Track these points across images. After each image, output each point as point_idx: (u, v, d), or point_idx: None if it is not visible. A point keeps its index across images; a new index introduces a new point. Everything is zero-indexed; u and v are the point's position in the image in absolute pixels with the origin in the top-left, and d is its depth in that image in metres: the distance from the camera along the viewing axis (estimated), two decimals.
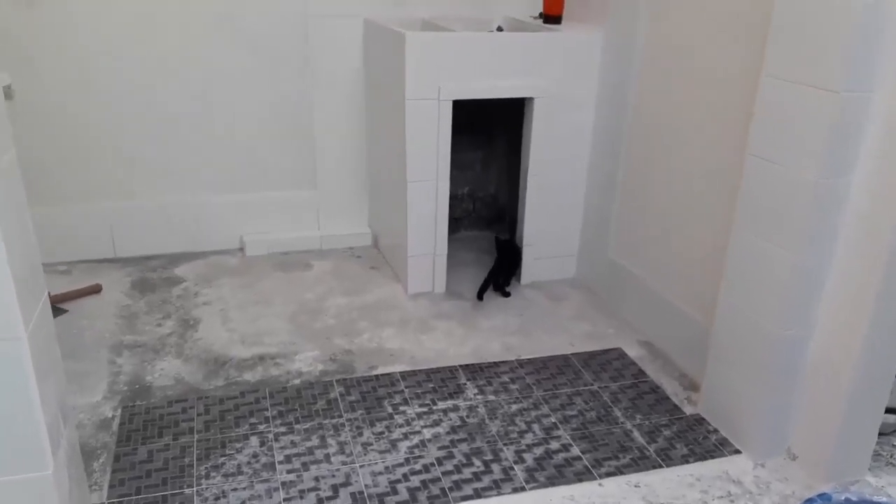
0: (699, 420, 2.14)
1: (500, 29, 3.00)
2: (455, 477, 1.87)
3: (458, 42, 2.57)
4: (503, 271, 2.86)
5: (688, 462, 1.97)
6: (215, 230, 3.09)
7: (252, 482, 1.82)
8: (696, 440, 2.05)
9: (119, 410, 2.07)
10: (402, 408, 2.13)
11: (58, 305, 2.59)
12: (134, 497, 1.75)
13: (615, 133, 2.67)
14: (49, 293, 2.58)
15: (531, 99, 2.70)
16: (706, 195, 2.24)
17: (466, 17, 3.02)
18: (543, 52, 2.65)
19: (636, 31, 2.49)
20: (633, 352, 2.49)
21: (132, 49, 2.77)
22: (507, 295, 2.80)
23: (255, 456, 1.91)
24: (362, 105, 3.06)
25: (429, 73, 2.53)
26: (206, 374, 2.26)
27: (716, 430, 2.09)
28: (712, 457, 1.99)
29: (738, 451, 2.01)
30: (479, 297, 2.75)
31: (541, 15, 2.91)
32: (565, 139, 2.79)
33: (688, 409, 2.19)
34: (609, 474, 1.91)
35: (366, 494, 1.80)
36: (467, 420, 2.09)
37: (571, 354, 2.45)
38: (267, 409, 2.09)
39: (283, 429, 2.02)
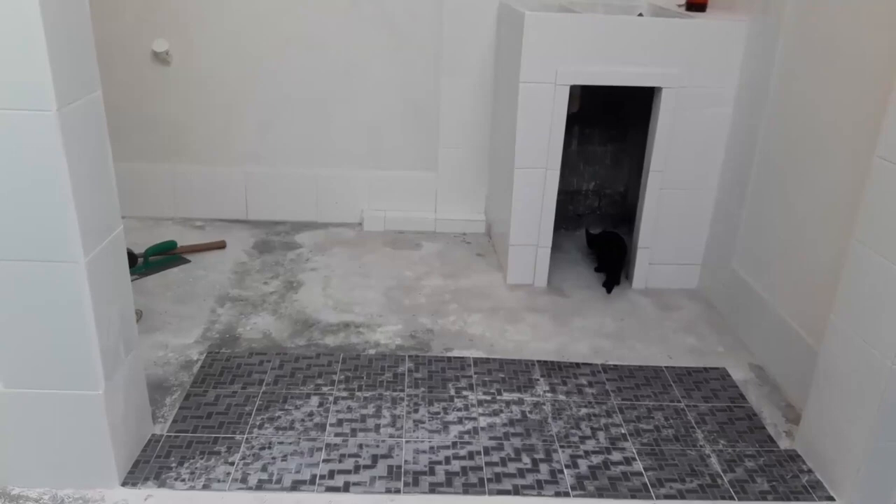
0: (793, 456, 1.88)
1: (640, 15, 2.83)
2: (497, 469, 1.79)
3: (580, 23, 2.44)
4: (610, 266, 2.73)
5: (765, 499, 1.73)
6: (339, 203, 3.20)
7: (299, 438, 1.85)
8: (782, 477, 1.80)
9: (204, 355, 2.20)
10: (464, 392, 2.07)
11: (183, 255, 2.81)
12: (190, 434, 1.85)
13: (751, 133, 2.41)
14: (177, 244, 2.83)
15: (660, 89, 2.51)
16: (839, 206, 1.95)
17: (609, 4, 2.88)
18: (676, 39, 2.45)
19: (783, 21, 2.22)
20: (738, 374, 2.24)
21: (277, 22, 2.93)
22: (609, 290, 2.66)
23: (310, 414, 1.95)
24: (490, 91, 3.02)
25: (546, 55, 2.43)
26: (292, 333, 2.34)
27: (810, 471, 1.82)
28: (797, 499, 1.74)
29: (831, 499, 1.74)
30: (609, 289, 2.68)
31: (687, 3, 2.71)
32: (697, 135, 2.57)
33: (784, 443, 1.93)
34: (668, 496, 1.73)
35: (402, 469, 1.77)
36: (529, 415, 1.99)
37: (665, 367, 2.25)
38: (336, 373, 2.13)
39: (344, 393, 2.04)
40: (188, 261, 2.79)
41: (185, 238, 2.94)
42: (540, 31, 2.41)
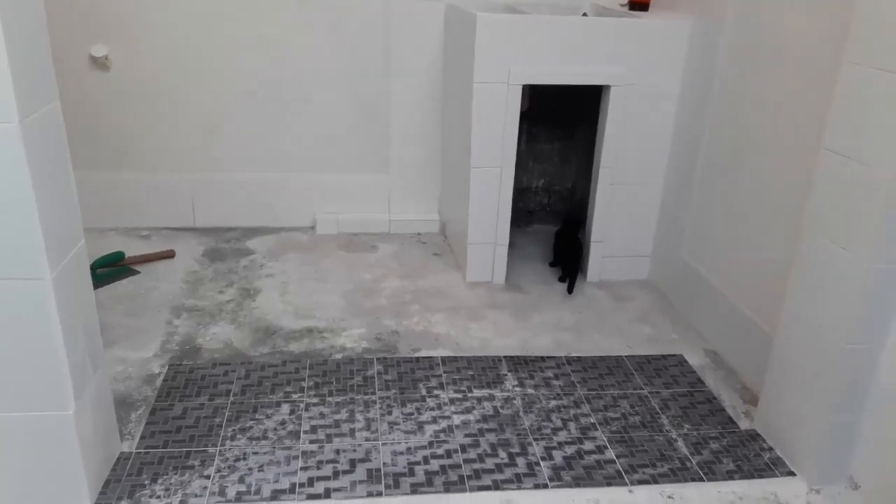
0: (754, 436, 1.97)
1: (584, 15, 2.90)
2: (476, 465, 1.81)
3: (531, 25, 2.49)
4: (567, 264, 2.77)
5: (732, 478, 1.81)
6: (290, 207, 3.16)
7: (274, 448, 1.83)
8: (746, 457, 1.89)
9: (165, 368, 2.14)
10: (436, 391, 2.08)
11: (131, 266, 2.73)
12: (160, 449, 1.80)
13: (696, 128, 2.51)
14: (125, 255, 2.74)
15: (608, 87, 2.58)
16: (783, 195, 2.06)
17: (553, 4, 2.94)
18: (622, 39, 2.53)
19: (725, 20, 2.32)
20: (695, 360, 2.33)
21: (221, 26, 2.87)
22: (570, 291, 2.71)
23: (282, 423, 1.92)
24: (440, 91, 3.03)
25: (499, 55, 2.46)
26: (254, 341, 2.31)
27: (770, 449, 1.91)
28: (761, 476, 1.82)
29: (791, 474, 1.83)
30: (571, 290, 2.70)
31: (630, 3, 2.79)
32: (644, 132, 2.65)
33: (743, 424, 2.02)
34: (642, 482, 1.79)
35: (382, 472, 1.77)
36: (501, 411, 2.02)
37: (626, 357, 2.32)
38: (304, 380, 2.11)
39: (315, 400, 2.02)
40: (137, 272, 2.71)
41: (130, 248, 2.85)
42: (492, 32, 2.44)
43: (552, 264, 2.89)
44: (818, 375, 1.75)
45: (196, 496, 1.67)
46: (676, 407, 2.08)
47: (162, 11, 2.82)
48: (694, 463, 1.86)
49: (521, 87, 2.51)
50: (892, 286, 1.61)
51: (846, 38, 1.62)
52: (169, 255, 2.85)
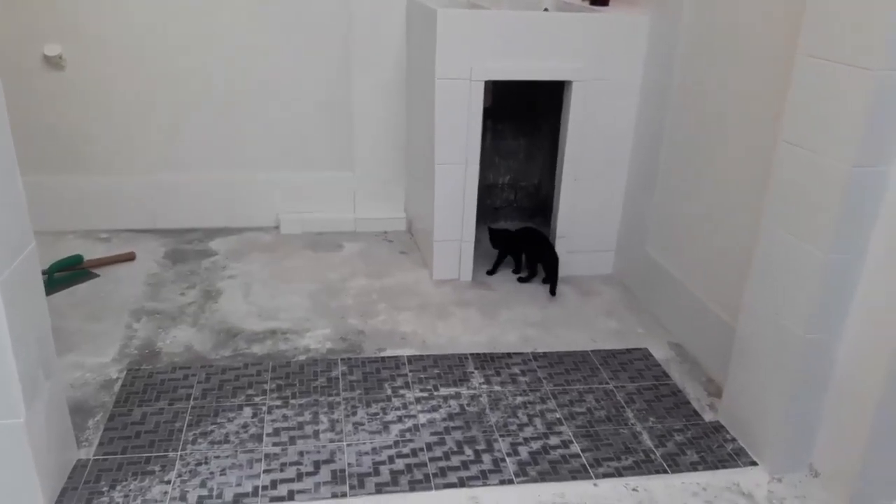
0: (717, 427, 1.98)
1: (546, 10, 2.90)
2: (442, 464, 1.80)
3: (492, 20, 2.48)
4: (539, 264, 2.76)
5: (696, 470, 1.83)
6: (253, 207, 3.12)
7: (236, 451, 1.80)
8: (709, 448, 1.90)
9: (124, 373, 2.09)
10: (401, 391, 2.07)
11: (90, 270, 2.67)
12: (119, 456, 1.76)
13: (657, 122, 2.52)
14: (83, 258, 2.68)
15: (570, 83, 2.58)
16: (744, 188, 2.08)
17: (515, 0, 2.93)
18: (583, 34, 2.53)
19: (683, 15, 2.33)
20: (659, 353, 2.34)
21: (179, 25, 2.82)
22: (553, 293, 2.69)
23: (244, 426, 1.89)
24: (402, 89, 3.02)
25: (460, 51, 2.45)
26: (216, 344, 2.27)
27: (733, 440, 1.93)
28: (724, 466, 1.84)
29: (754, 463, 1.85)
30: (554, 292, 2.68)
31: None
32: (606, 127, 2.66)
33: (707, 416, 2.03)
34: (606, 475, 1.79)
35: (346, 473, 1.75)
36: (467, 408, 2.01)
37: (591, 351, 2.33)
38: (266, 383, 2.08)
39: (278, 402, 2.00)
40: (97, 275, 2.65)
41: (90, 251, 2.79)
42: (453, 28, 2.43)
43: (522, 279, 2.78)
44: (778, 366, 1.77)
45: (156, 502, 1.63)
46: (641, 400, 2.09)
47: (118, 9, 2.76)
48: (658, 455, 1.87)
49: (483, 83, 2.51)
50: (848, 277, 1.63)
51: (800, 30, 1.63)
52: (129, 257, 2.79)
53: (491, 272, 2.79)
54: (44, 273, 2.52)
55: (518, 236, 2.78)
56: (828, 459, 1.77)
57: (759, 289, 1.82)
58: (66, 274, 2.60)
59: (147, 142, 2.97)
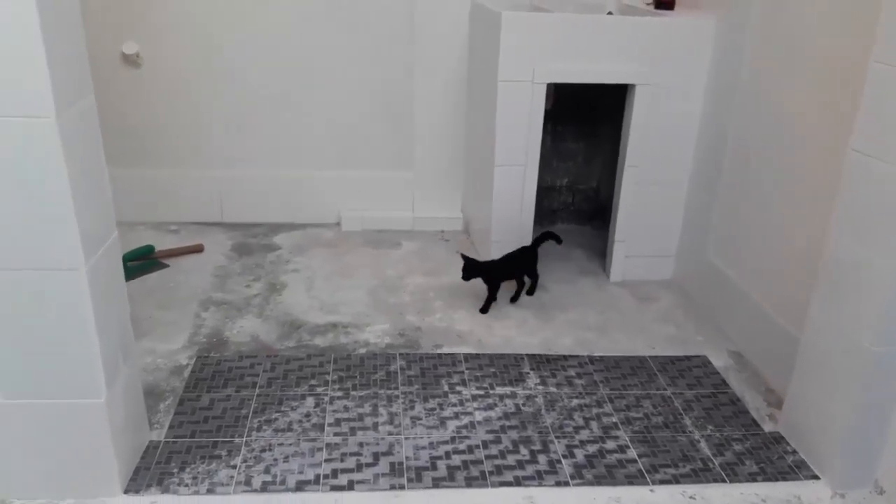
0: (777, 438, 1.95)
1: (609, 14, 2.89)
2: (497, 462, 1.82)
3: (556, 23, 2.49)
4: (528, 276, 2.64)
5: (755, 481, 1.81)
6: (316, 204, 3.19)
7: (299, 439, 1.86)
8: (769, 459, 1.88)
9: (193, 360, 2.18)
10: (458, 388, 2.10)
11: (161, 260, 2.78)
12: (188, 439, 1.84)
13: (721, 127, 2.49)
14: (154, 249, 2.79)
15: (633, 86, 2.57)
16: (810, 196, 2.04)
17: (578, 2, 2.93)
18: (647, 38, 2.52)
19: (750, 18, 2.30)
20: (719, 361, 2.32)
21: (251, 25, 2.91)
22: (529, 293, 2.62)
23: (307, 415, 1.95)
24: (464, 89, 3.05)
25: (523, 54, 2.47)
26: (280, 335, 2.34)
27: (794, 451, 1.90)
28: (785, 479, 1.81)
29: (816, 477, 1.82)
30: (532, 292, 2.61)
31: (655, 2, 2.78)
32: (669, 131, 2.65)
33: (767, 426, 2.01)
34: (663, 482, 1.79)
35: (405, 466, 1.79)
36: (522, 408, 2.03)
37: (649, 357, 2.32)
38: (328, 374, 2.13)
39: (339, 393, 2.05)
40: (167, 265, 2.76)
41: (160, 243, 2.90)
42: (516, 30, 2.45)
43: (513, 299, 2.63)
44: (844, 378, 1.74)
45: (223, 485, 1.70)
46: (700, 408, 2.08)
47: (192, 10, 2.87)
48: (716, 464, 1.85)
49: (545, 86, 2.52)
50: None
51: (873, 37, 1.60)
52: (198, 249, 2.89)
53: (484, 310, 2.53)
54: None
55: (500, 264, 2.58)
56: (895, 477, 1.73)
57: (826, 299, 1.79)
58: (138, 263, 2.72)
59: (215, 138, 3.07)
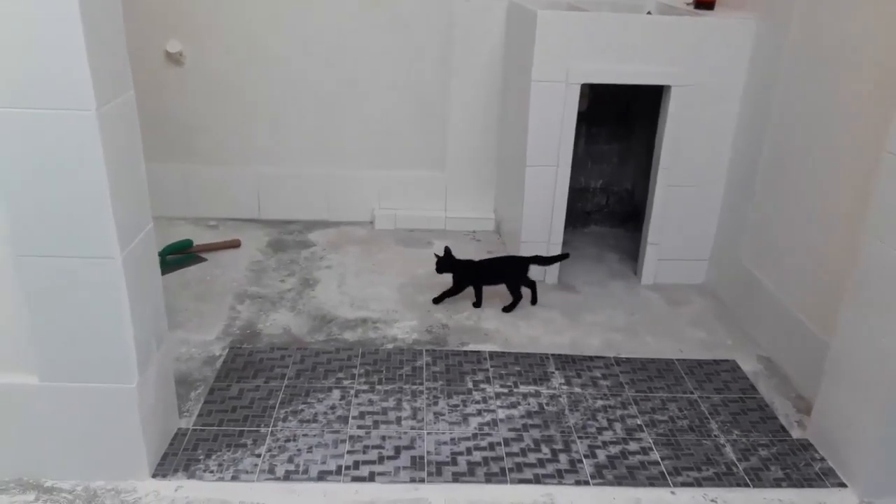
0: (805, 445, 1.92)
1: (649, 14, 2.87)
2: (518, 459, 1.83)
3: (591, 22, 2.48)
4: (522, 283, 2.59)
5: (780, 486, 1.78)
6: (350, 202, 3.24)
7: (323, 431, 1.89)
8: (795, 465, 1.85)
9: (226, 350, 2.23)
10: (482, 385, 2.11)
11: (199, 254, 2.85)
12: (215, 427, 1.89)
13: (758, 130, 2.46)
14: (193, 243, 2.86)
15: (668, 87, 2.55)
16: (846, 201, 2.00)
17: (615, 2, 2.92)
18: (685, 38, 2.50)
19: (791, 19, 2.27)
20: (748, 366, 2.29)
21: (289, 24, 2.97)
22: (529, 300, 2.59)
23: (332, 408, 1.99)
24: (499, 90, 3.06)
25: (558, 53, 2.47)
26: (311, 328, 2.39)
27: (822, 459, 1.87)
28: (811, 486, 1.78)
29: (843, 485, 1.78)
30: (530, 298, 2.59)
31: (695, 2, 2.75)
32: (704, 133, 2.62)
33: (795, 433, 1.97)
34: (686, 484, 1.78)
35: (426, 460, 1.81)
36: (546, 407, 2.03)
37: (677, 360, 2.30)
38: (356, 367, 2.17)
39: (365, 387, 2.08)
40: (205, 259, 2.83)
41: (199, 237, 2.98)
42: (552, 29, 2.45)
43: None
44: (875, 386, 1.70)
45: (247, 472, 1.74)
46: (726, 412, 2.05)
47: (234, 10, 2.94)
48: (741, 469, 1.83)
49: (579, 86, 2.52)
50: None
51: None
52: (235, 244, 2.96)
53: (437, 300, 2.57)
54: (158, 255, 2.72)
55: (479, 267, 2.60)
56: None
57: (857, 305, 1.75)
58: (177, 257, 2.80)
59: (254, 136, 3.14)
